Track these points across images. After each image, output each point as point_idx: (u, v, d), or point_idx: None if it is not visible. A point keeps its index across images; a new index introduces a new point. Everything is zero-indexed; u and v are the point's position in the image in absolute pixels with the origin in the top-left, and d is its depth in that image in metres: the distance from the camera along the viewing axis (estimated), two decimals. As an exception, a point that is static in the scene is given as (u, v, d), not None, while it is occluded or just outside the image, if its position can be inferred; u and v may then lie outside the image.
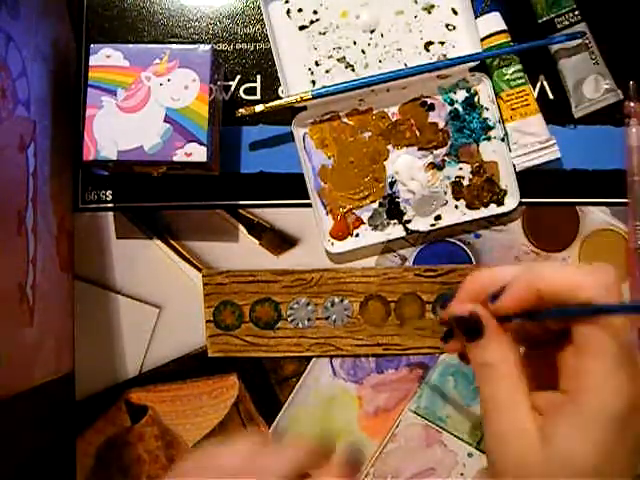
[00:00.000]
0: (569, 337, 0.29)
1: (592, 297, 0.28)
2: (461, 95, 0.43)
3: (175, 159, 0.38)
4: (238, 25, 0.44)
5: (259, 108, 0.42)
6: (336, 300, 0.43)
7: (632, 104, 0.43)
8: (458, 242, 0.43)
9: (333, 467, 0.34)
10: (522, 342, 0.33)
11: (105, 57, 0.39)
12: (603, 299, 0.28)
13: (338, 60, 0.43)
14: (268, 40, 0.43)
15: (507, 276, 0.31)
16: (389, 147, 0.43)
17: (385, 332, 0.43)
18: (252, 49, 0.44)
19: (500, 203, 0.43)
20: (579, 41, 0.43)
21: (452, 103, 0.43)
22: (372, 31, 0.43)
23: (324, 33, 0.43)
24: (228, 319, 0.43)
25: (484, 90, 0.43)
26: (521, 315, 0.30)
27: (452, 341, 0.36)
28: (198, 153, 0.39)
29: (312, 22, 0.43)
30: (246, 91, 0.44)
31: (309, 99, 0.42)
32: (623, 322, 0.28)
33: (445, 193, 0.43)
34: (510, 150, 0.43)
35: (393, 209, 0.43)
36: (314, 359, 0.43)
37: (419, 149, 0.43)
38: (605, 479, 0.29)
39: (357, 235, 0.43)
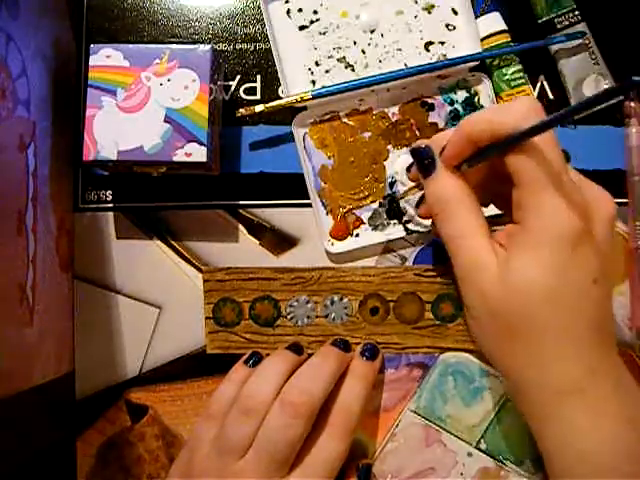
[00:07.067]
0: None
1: (509, 129, 0.29)
2: (461, 95, 0.43)
3: (175, 159, 0.38)
4: (238, 25, 0.44)
5: (259, 108, 0.42)
6: (335, 298, 0.43)
7: (632, 104, 0.43)
8: (458, 242, 0.43)
9: (355, 360, 0.41)
10: (482, 193, 0.35)
11: (105, 57, 0.39)
12: (522, 127, 0.29)
13: (338, 60, 0.43)
14: (268, 40, 0.43)
15: (450, 134, 0.34)
16: (389, 147, 0.43)
17: (384, 331, 0.43)
18: (252, 49, 0.44)
19: (500, 203, 0.43)
20: (579, 41, 0.43)
21: (452, 103, 0.43)
22: (372, 31, 0.43)
23: (324, 33, 0.43)
24: (228, 316, 0.43)
25: (484, 90, 0.43)
26: (463, 162, 0.33)
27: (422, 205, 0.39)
28: (198, 153, 0.39)
29: (312, 22, 0.43)
30: (246, 91, 0.44)
31: (309, 99, 0.42)
32: (546, 143, 0.29)
33: (445, 193, 0.43)
34: (510, 150, 0.43)
35: (393, 209, 0.43)
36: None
37: (419, 149, 0.43)
38: (563, 300, 0.30)
39: (357, 235, 0.43)
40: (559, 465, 0.32)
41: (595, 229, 0.30)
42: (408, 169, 0.39)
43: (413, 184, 0.40)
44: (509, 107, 0.31)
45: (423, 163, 0.35)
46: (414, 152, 0.36)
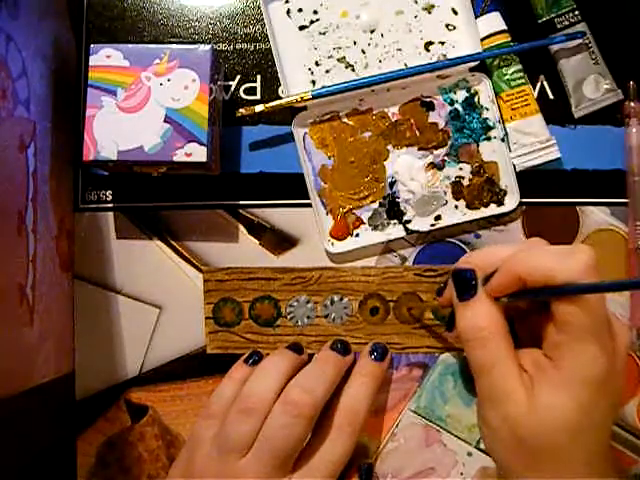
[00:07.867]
0: (550, 311, 0.32)
1: (565, 280, 0.30)
2: (461, 95, 0.43)
3: (175, 159, 0.38)
4: (238, 25, 0.44)
5: (259, 108, 0.42)
6: (335, 298, 0.43)
7: (632, 104, 0.43)
8: (458, 242, 0.44)
9: (363, 359, 0.41)
10: (509, 313, 0.35)
11: (105, 57, 0.39)
12: (578, 280, 0.30)
13: (338, 60, 0.43)
14: (268, 40, 0.43)
15: (497, 258, 0.34)
16: (389, 147, 0.43)
17: (384, 331, 0.43)
18: (252, 49, 0.44)
19: (500, 203, 0.43)
20: (579, 41, 0.43)
21: (452, 103, 0.43)
22: (372, 31, 0.43)
23: (324, 33, 0.43)
24: (228, 316, 0.43)
25: (484, 90, 0.43)
26: (506, 295, 0.33)
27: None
28: (198, 153, 0.39)
29: (312, 22, 0.43)
30: (246, 91, 0.44)
31: (309, 99, 0.42)
32: (598, 299, 0.31)
33: (445, 193, 0.43)
34: (510, 150, 0.43)
35: (393, 209, 0.43)
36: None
37: (419, 149, 0.43)
38: (586, 432, 0.32)
39: (357, 235, 0.43)
40: None
41: (615, 359, 0.32)
42: (439, 292, 0.39)
43: (413, 185, 0.40)
44: (568, 257, 0.31)
45: (463, 286, 0.34)
46: (457, 274, 0.35)
